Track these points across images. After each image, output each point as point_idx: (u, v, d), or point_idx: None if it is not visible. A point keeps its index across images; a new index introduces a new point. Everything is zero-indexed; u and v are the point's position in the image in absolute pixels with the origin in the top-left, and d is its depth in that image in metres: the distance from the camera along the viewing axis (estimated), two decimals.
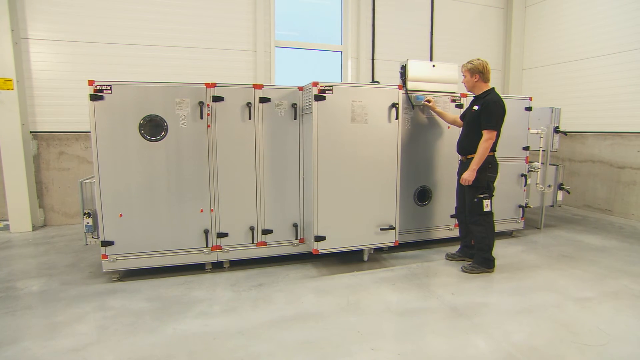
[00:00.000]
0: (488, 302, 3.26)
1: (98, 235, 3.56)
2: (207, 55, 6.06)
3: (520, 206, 4.99)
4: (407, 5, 7.08)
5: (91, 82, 3.33)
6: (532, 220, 5.66)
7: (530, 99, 4.85)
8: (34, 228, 5.45)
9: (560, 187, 5.51)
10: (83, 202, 3.62)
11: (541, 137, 5.17)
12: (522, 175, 4.92)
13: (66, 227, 5.60)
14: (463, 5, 7.51)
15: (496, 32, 7.85)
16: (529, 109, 4.84)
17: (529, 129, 4.90)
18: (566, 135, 5.98)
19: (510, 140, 4.68)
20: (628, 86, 5.95)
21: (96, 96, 3.34)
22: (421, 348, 2.57)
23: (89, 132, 5.42)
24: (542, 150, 5.22)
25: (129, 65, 5.66)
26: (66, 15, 5.41)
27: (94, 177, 3.61)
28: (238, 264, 3.96)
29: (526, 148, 4.90)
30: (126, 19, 5.64)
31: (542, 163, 5.23)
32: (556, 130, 5.35)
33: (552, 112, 5.37)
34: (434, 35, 7.31)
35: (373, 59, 6.97)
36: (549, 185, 5.41)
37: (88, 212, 3.58)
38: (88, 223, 3.58)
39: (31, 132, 5.44)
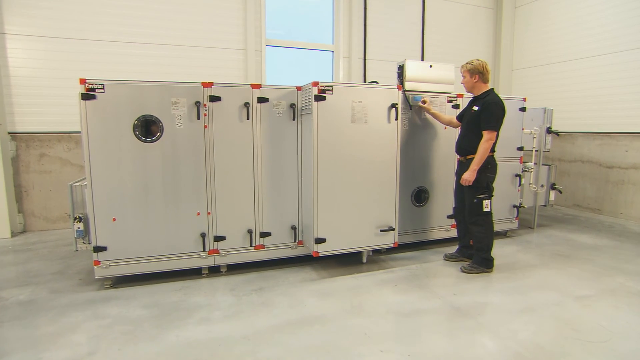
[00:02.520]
0: (490, 301, 3.26)
1: (90, 240, 3.41)
2: (196, 54, 5.91)
3: (514, 206, 5.03)
4: (398, 5, 7.09)
5: (82, 81, 3.19)
6: (525, 220, 5.72)
7: (524, 99, 4.90)
8: (13, 234, 5.17)
9: (553, 187, 5.58)
10: (73, 206, 3.46)
11: (534, 138, 5.22)
12: (517, 175, 4.96)
13: (48, 232, 5.35)
14: (454, 5, 7.56)
15: (486, 32, 7.93)
16: (523, 109, 4.88)
17: (523, 129, 4.94)
18: (558, 135, 6.06)
19: (505, 141, 4.69)
20: (617, 87, 6.06)
21: (88, 95, 3.20)
22: (429, 348, 2.55)
23: (73, 132, 5.40)
24: (535, 151, 5.27)
25: (113, 63, 5.45)
26: (47, 10, 5.15)
27: (84, 179, 3.47)
28: (235, 268, 3.87)
29: (520, 148, 4.94)
30: (111, 15, 5.43)
31: (535, 163, 5.29)
32: (549, 130, 5.41)
33: (545, 112, 5.43)
34: (425, 36, 7.34)
35: (365, 59, 6.95)
36: (542, 185, 5.48)
37: (79, 217, 3.43)
38: (79, 228, 3.43)
39: (9, 132, 5.17)
